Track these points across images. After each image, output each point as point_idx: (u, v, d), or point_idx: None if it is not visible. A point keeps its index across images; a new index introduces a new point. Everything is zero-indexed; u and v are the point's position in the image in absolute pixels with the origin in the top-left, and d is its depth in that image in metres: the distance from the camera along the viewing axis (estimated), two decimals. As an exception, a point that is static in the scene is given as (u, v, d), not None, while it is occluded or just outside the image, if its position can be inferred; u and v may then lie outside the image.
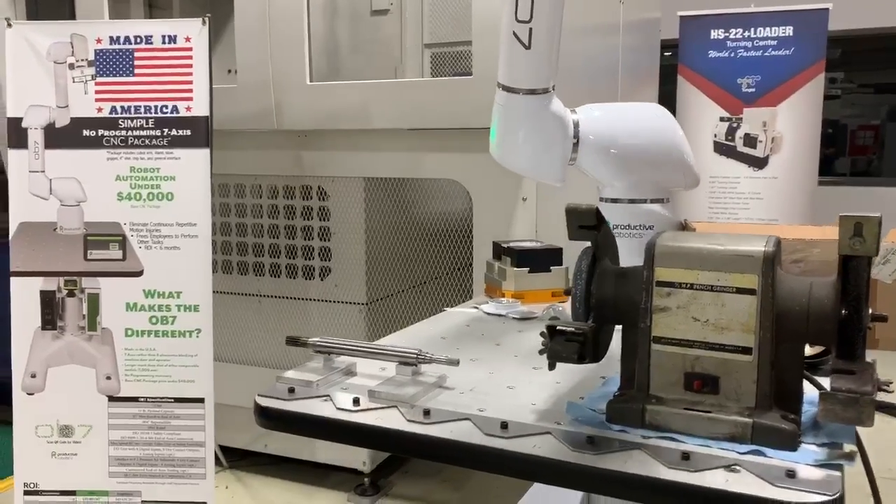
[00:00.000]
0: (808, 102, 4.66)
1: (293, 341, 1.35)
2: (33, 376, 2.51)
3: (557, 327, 1.09)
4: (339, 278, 3.14)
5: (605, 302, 1.13)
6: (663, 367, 1.07)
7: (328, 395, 1.20)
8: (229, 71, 3.39)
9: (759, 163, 4.72)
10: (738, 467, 0.95)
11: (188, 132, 2.51)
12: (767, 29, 4.81)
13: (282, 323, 3.25)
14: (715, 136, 4.93)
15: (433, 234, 3.19)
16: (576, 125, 1.63)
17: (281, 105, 2.96)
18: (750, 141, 4.85)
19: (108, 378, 2.54)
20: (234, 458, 3.42)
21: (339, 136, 2.99)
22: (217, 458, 3.11)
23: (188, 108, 2.50)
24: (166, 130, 2.50)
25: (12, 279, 2.51)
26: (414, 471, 3.40)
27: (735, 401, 1.03)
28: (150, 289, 2.52)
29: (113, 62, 2.50)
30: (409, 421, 1.10)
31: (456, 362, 1.23)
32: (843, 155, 7.04)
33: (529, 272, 1.85)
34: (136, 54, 2.50)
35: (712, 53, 4.91)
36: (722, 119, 4.91)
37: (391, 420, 1.12)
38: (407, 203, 3.18)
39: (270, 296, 3.27)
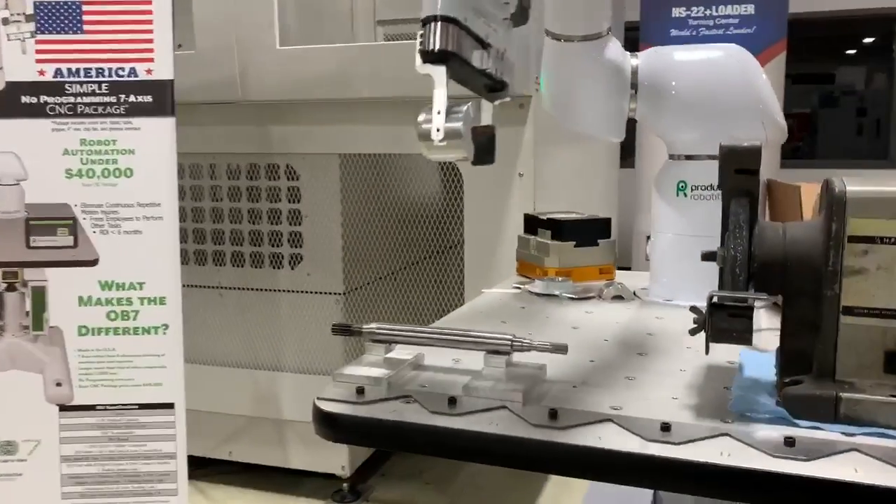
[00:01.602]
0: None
1: (343, 329, 1.08)
2: (-32, 386, 2.14)
3: (719, 300, 0.86)
4: (312, 266, 2.85)
5: (772, 265, 0.89)
6: (857, 344, 0.85)
7: (410, 396, 0.93)
8: (179, 46, 3.05)
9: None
10: None
11: (149, 98, 2.17)
12: (729, 7, 4.72)
13: (246, 317, 2.94)
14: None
15: (415, 216, 2.93)
16: (634, 72, 1.41)
17: (246, 73, 2.65)
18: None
19: (59, 384, 2.18)
20: (195, 468, 3.09)
21: (311, 108, 2.70)
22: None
23: (148, 71, 2.16)
24: (123, 97, 2.16)
25: (-60, 272, 2.13)
26: (392, 473, 3.15)
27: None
28: (108, 280, 2.17)
29: (56, 16, 2.15)
30: (534, 426, 0.85)
31: (564, 349, 0.98)
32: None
33: (575, 246, 1.61)
34: (85, 7, 2.15)
35: (674, 32, 4.80)
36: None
37: (509, 425, 0.86)
38: (388, 182, 2.91)
39: (233, 288, 2.96)
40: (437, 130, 0.88)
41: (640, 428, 0.83)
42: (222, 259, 2.94)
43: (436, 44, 0.88)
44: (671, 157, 1.47)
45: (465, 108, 0.91)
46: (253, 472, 3.02)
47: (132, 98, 2.16)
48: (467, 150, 0.93)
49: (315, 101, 2.66)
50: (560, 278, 1.55)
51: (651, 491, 1.60)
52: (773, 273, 0.90)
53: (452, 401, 0.90)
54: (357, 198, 2.83)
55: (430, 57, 0.88)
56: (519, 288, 1.57)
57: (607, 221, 1.66)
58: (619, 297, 1.48)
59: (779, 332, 0.91)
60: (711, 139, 1.40)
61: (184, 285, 2.94)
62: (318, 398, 0.94)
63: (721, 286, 0.92)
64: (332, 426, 0.91)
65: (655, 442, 0.80)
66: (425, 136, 0.90)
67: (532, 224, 1.72)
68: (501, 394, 0.91)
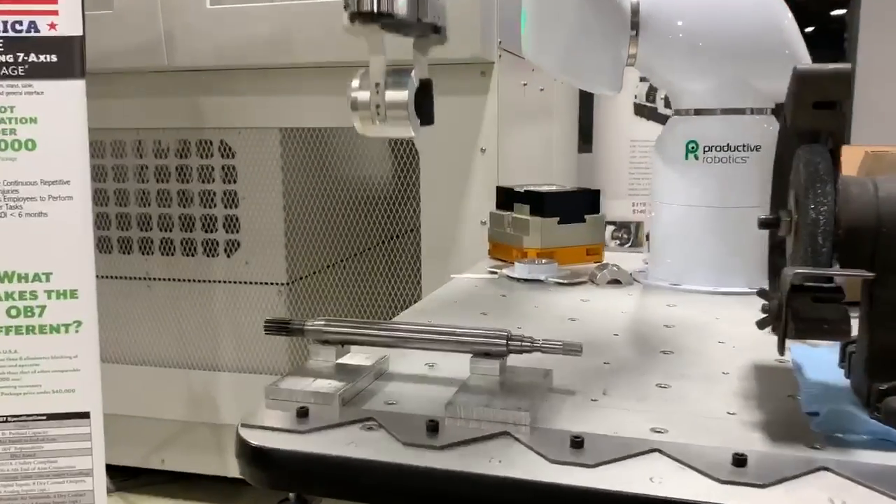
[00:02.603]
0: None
1: (279, 327, 0.81)
2: None
3: (802, 280, 0.62)
4: (250, 254, 2.57)
5: (862, 232, 0.66)
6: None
7: (373, 419, 0.67)
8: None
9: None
10: None
11: (53, 58, 1.85)
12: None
13: (178, 311, 2.65)
14: (635, 97, 4.65)
15: (366, 197, 2.67)
16: (635, 10, 1.17)
17: (173, 35, 2.35)
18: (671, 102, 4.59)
19: (-49, 393, 1.87)
20: (123, 478, 2.81)
21: (248, 76, 2.40)
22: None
23: (52, 25, 1.85)
24: (22, 56, 1.84)
25: None
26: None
27: None
28: (7, 270, 1.86)
29: (-61, -39, 1.82)
30: (552, 462, 0.60)
31: (578, 349, 0.73)
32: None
33: (560, 223, 1.36)
34: (-26, -50, 1.83)
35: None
36: (642, 79, 4.65)
37: (516, 461, 0.60)
38: (335, 160, 2.63)
39: (163, 279, 2.66)
40: (378, 106, 0.74)
41: (703, 461, 0.59)
42: (150, 247, 2.64)
43: (365, 1, 0.71)
44: (677, 112, 1.24)
45: (408, 77, 0.75)
46: (188, 482, 2.76)
47: (33, 57, 1.84)
48: (413, 125, 0.76)
49: (252, 67, 2.38)
50: (543, 260, 1.30)
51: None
52: (864, 242, 0.66)
53: (433, 426, 0.65)
54: (301, 177, 2.55)
55: (360, 17, 0.72)
56: (495, 273, 1.32)
57: (595, 194, 1.41)
58: (616, 282, 1.24)
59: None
60: (727, 90, 1.19)
61: (107, 276, 2.70)
62: (242, 425, 0.68)
63: (792, 261, 0.68)
64: (262, 466, 0.64)
65: (732, 484, 0.56)
66: (362, 109, 0.75)
67: (507, 198, 1.46)
68: (501, 414, 0.66)
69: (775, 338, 0.92)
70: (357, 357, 0.82)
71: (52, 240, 1.87)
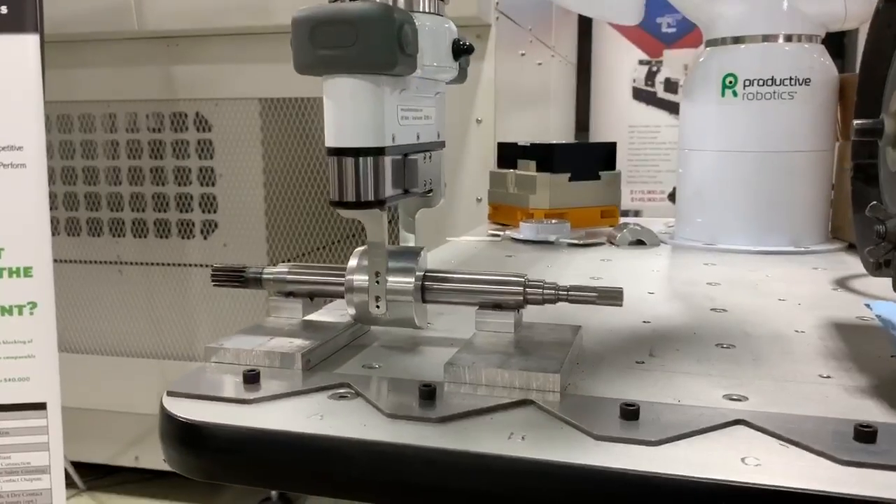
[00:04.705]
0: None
1: (227, 275, 0.64)
2: None
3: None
4: (229, 235, 2.40)
5: None
6: None
7: (348, 385, 0.50)
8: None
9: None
10: None
11: (3, 9, 1.68)
12: None
13: (152, 297, 2.49)
14: (634, 80, 4.52)
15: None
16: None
17: (142, -3, 2.18)
18: (671, 86, 4.45)
19: None
20: (94, 477, 2.65)
21: (224, 42, 2.24)
22: (69, 479, 2.33)
23: (2, -27, 1.67)
24: (-32, 7, 1.66)
25: None
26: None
27: None
28: (-47, 246, 1.68)
29: None
30: (597, 438, 0.42)
31: (618, 297, 0.56)
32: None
33: (570, 180, 1.19)
34: None
35: None
36: (641, 62, 4.52)
37: (544, 438, 0.43)
38: (320, 133, 2.45)
39: (135, 263, 2.49)
40: (378, 298, 0.58)
41: (811, 436, 0.41)
42: (121, 229, 2.47)
43: (368, 192, 0.55)
44: (711, 43, 1.06)
45: (415, 262, 0.60)
46: (164, 480, 2.59)
47: (-20, 8, 1.66)
48: (419, 319, 0.60)
49: (229, 31, 2.20)
50: (553, 220, 1.12)
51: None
52: None
53: (429, 391, 0.47)
54: (283, 152, 2.38)
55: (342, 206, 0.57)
56: (497, 236, 1.14)
57: (612, 147, 1.23)
58: (639, 243, 1.07)
59: None
60: (769, 13, 1.01)
61: (76, 261, 2.53)
62: (167, 393, 0.50)
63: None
64: (193, 448, 0.47)
65: (861, 466, 0.38)
66: (359, 295, 0.59)
67: (509, 155, 1.28)
68: (521, 377, 0.48)
69: (847, 296, 0.75)
70: (330, 314, 0.64)
71: (2, 212, 1.69)
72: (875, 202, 0.49)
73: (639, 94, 4.41)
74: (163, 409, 0.48)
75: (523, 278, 0.57)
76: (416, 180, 0.59)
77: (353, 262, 0.60)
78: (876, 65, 0.60)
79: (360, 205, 0.55)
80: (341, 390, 0.50)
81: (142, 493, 2.62)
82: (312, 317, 0.64)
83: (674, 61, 4.34)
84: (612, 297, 0.55)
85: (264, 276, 0.63)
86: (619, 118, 4.46)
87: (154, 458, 2.57)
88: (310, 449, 0.44)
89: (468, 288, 0.59)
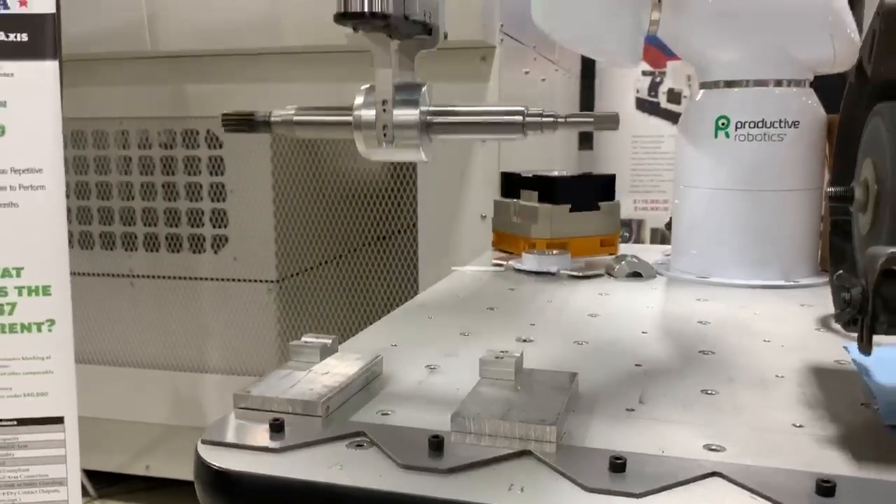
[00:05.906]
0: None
1: (237, 120, 0.71)
2: None
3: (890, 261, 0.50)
4: (239, 250, 2.45)
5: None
6: None
7: (364, 435, 0.55)
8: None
9: (684, 121, 4.40)
10: None
11: (24, 37, 1.73)
12: None
13: (162, 310, 2.53)
14: (637, 91, 4.55)
15: (362, 190, 2.54)
16: (657, -26, 1.05)
17: (156, 18, 2.23)
18: (674, 97, 4.49)
19: (-86, 397, 1.74)
20: (105, 486, 2.69)
21: (235, 62, 2.29)
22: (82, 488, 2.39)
23: (22, 2, 1.72)
24: (-9, 35, 1.72)
25: None
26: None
27: None
28: (-25, 265, 1.74)
29: None
30: (587, 490, 0.47)
31: (614, 121, 0.62)
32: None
33: (571, 211, 1.24)
34: (-62, -80, 1.70)
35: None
36: (644, 73, 4.55)
37: (541, 488, 0.48)
38: (329, 151, 2.51)
39: (147, 276, 2.54)
40: (385, 127, 0.63)
41: (778, 489, 0.46)
42: (133, 242, 2.52)
43: (369, 2, 0.59)
44: (705, 85, 1.11)
45: (419, 93, 0.64)
46: (173, 489, 2.62)
47: (2, 36, 1.73)
48: (424, 149, 0.65)
49: (239, 52, 2.26)
50: (554, 251, 1.18)
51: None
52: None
53: (437, 443, 0.52)
54: (292, 169, 2.44)
55: (362, 21, 0.60)
56: (500, 265, 1.20)
57: (610, 179, 1.29)
58: (636, 275, 1.12)
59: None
60: (761, 59, 1.06)
61: (89, 274, 2.58)
62: (202, 441, 0.55)
63: (870, 241, 0.56)
64: (224, 493, 0.52)
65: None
66: (367, 129, 0.64)
67: (512, 185, 1.34)
68: (520, 428, 0.53)
69: (827, 336, 0.80)
70: (346, 358, 0.69)
71: (23, 232, 1.74)
72: (841, 272, 0.53)
73: (642, 105, 4.45)
74: (197, 455, 0.54)
75: (523, 108, 0.63)
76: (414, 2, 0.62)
77: (359, 100, 0.64)
78: (849, 136, 0.65)
79: (362, 16, 0.58)
80: (358, 439, 0.55)
81: (152, 502, 2.67)
82: (330, 360, 0.69)
83: (677, 72, 4.38)
84: (607, 121, 0.61)
85: (272, 118, 0.69)
86: (623, 128, 4.49)
87: (164, 467, 2.61)
88: (332, 498, 0.49)
89: (471, 120, 0.64)
